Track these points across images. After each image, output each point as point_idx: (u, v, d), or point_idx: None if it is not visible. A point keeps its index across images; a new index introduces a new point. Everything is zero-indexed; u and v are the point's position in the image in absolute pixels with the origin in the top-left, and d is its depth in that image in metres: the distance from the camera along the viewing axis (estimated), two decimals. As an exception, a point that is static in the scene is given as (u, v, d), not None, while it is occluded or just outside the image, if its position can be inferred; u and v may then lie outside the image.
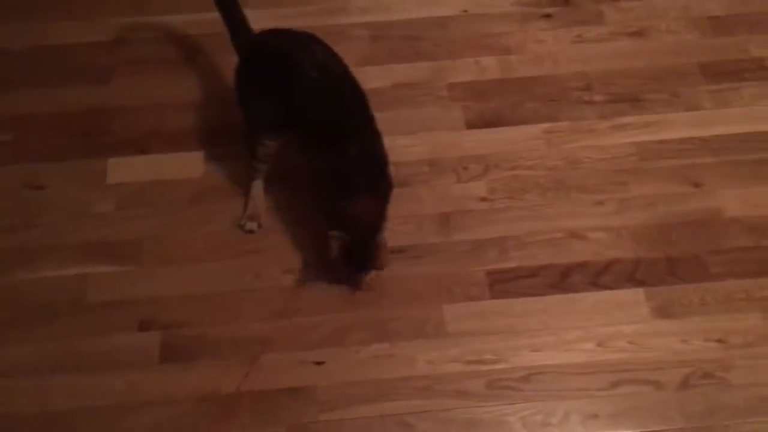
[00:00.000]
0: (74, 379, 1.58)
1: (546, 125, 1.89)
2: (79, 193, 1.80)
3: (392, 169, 1.71)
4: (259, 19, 2.01)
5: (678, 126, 1.89)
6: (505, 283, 1.68)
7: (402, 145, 1.86)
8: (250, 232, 1.76)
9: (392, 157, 1.79)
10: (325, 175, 1.62)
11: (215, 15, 1.89)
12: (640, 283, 1.67)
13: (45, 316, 1.65)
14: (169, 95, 1.95)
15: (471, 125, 1.90)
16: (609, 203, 1.78)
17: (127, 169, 1.84)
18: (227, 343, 1.61)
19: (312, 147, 1.66)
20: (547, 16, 2.07)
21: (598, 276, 1.69)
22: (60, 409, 1.54)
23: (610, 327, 1.62)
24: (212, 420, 1.53)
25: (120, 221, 1.77)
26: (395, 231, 1.74)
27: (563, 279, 1.69)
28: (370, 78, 1.94)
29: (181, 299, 1.67)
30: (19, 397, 1.55)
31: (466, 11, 2.09)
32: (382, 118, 1.84)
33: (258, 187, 1.79)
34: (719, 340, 1.59)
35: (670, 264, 1.70)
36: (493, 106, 1.92)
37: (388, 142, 1.79)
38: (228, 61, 1.96)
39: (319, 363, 1.59)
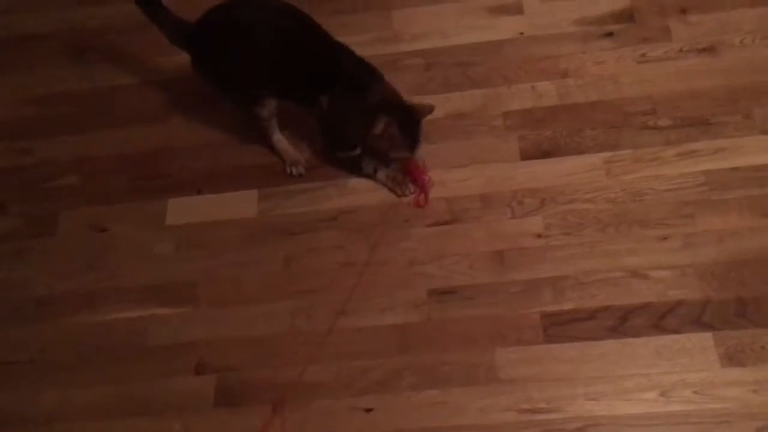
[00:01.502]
0: (135, 422, 1.64)
1: (606, 154, 1.80)
2: (140, 235, 1.86)
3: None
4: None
5: (753, 152, 1.75)
6: (560, 327, 1.62)
7: (454, 179, 1.82)
8: (300, 175, 1.88)
9: (443, 191, 1.80)
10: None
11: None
12: (708, 327, 1.57)
13: (108, 359, 1.71)
14: (225, 133, 1.97)
15: (526, 156, 1.83)
16: (674, 239, 1.68)
17: (185, 210, 1.88)
18: (279, 388, 1.63)
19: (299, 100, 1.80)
20: (609, 34, 1.95)
21: (662, 319, 1.59)
22: (121, 452, 1.61)
23: (674, 375, 1.54)
24: (264, 465, 1.55)
25: (178, 263, 1.82)
26: (447, 270, 1.72)
27: (623, 322, 1.60)
28: (423, 109, 1.92)
29: (236, 342, 1.70)
30: (83, 441, 1.62)
31: (522, 33, 2.00)
32: (433, 150, 1.85)
33: (280, 140, 1.89)
34: (795, 392, 1.47)
35: (741, 306, 1.58)
36: (549, 134, 1.84)
37: (439, 175, 1.84)
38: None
39: (368, 410, 1.59)
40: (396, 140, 1.70)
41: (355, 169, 1.85)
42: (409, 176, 1.82)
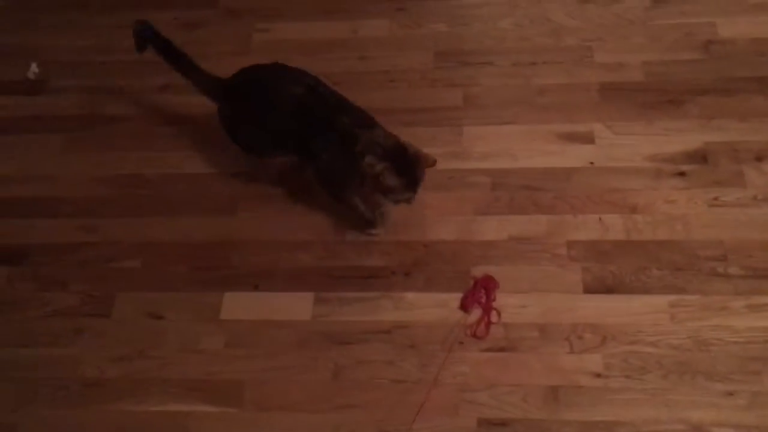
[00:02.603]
0: None
1: (672, 297, 1.75)
2: (194, 326, 1.86)
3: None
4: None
5: (826, 313, 1.69)
6: (614, 478, 1.55)
7: (512, 305, 1.79)
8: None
9: (501, 316, 1.76)
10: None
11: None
12: (773, 498, 1.48)
13: (144, 454, 1.69)
14: (287, 233, 1.99)
15: (589, 289, 1.79)
16: (740, 395, 1.61)
17: (240, 305, 1.89)
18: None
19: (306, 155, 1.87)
20: (682, 174, 1.94)
21: (724, 483, 1.51)
22: None
23: None
24: None
25: (227, 360, 1.80)
26: (499, 401, 1.67)
27: (683, 481, 1.53)
28: (487, 229, 1.93)
29: (276, 450, 1.67)
30: None
31: (592, 163, 2.00)
32: (493, 272, 1.82)
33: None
34: None
35: (810, 479, 1.50)
36: (614, 270, 1.81)
37: (498, 299, 1.81)
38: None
39: None
40: (389, 181, 1.70)
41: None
42: (479, 303, 1.79)
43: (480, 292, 1.79)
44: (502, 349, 1.74)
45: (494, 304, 1.78)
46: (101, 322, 1.89)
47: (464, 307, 1.79)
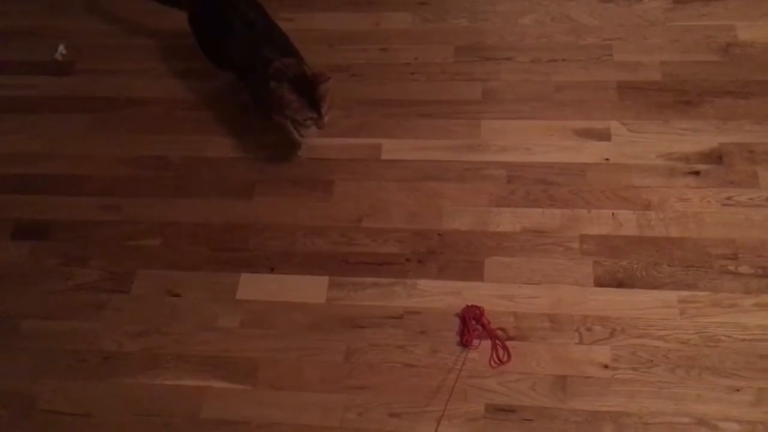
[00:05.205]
0: (176, 495, 1.64)
1: (683, 293, 1.78)
2: (210, 306, 1.90)
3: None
4: (398, 148, 2.10)
5: (836, 313, 1.71)
6: (619, 467, 1.57)
7: (524, 295, 1.82)
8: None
9: (512, 306, 1.80)
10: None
11: (356, 142, 2.10)
12: (776, 492, 1.51)
13: (160, 424, 1.74)
14: (304, 218, 2.02)
15: (600, 282, 1.82)
16: (746, 391, 1.63)
17: (256, 286, 1.92)
18: (324, 483, 1.62)
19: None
20: (696, 173, 1.96)
21: (728, 476, 1.54)
22: None
23: None
24: None
25: (242, 338, 1.84)
26: (508, 387, 1.70)
27: (686, 473, 1.55)
28: (501, 220, 1.95)
29: (286, 428, 1.70)
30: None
31: (607, 160, 2.02)
32: (507, 264, 1.85)
33: None
34: None
35: (813, 475, 1.52)
36: (626, 264, 1.84)
37: (510, 290, 1.84)
38: (363, 188, 2.04)
39: None
40: (293, 101, 1.89)
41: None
42: (479, 337, 1.77)
43: (472, 325, 1.78)
44: (512, 338, 1.76)
45: (492, 326, 1.78)
46: (121, 298, 1.94)
47: (465, 344, 1.77)
